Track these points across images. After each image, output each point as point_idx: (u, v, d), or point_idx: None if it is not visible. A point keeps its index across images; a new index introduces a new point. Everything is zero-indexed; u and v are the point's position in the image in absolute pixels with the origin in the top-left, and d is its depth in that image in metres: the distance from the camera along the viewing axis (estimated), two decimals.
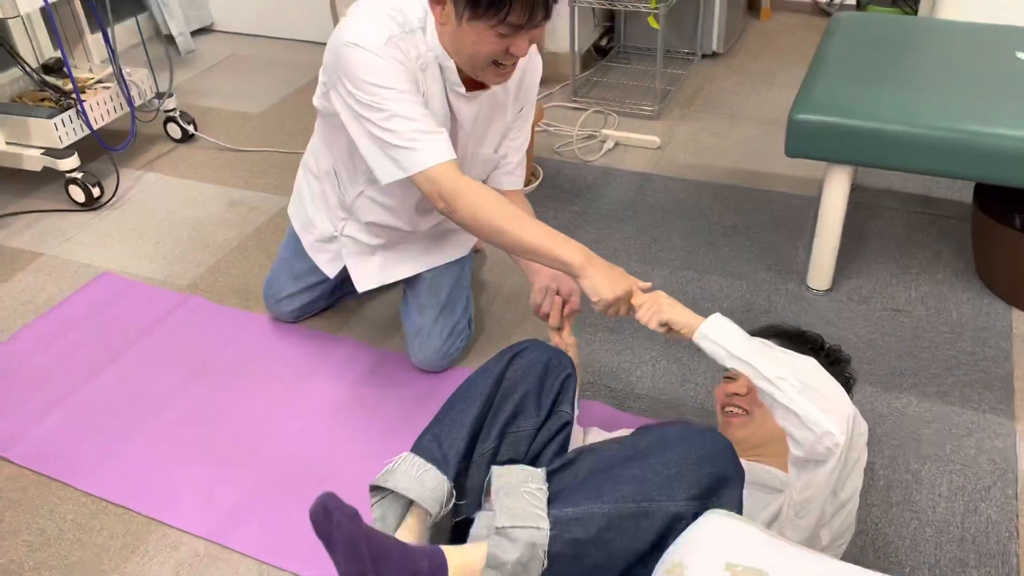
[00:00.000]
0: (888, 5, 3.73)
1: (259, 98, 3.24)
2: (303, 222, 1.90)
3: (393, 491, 1.25)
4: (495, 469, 1.17)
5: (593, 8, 3.29)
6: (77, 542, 1.56)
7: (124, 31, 3.52)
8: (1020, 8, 2.63)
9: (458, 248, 1.91)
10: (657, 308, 1.32)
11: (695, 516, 1.07)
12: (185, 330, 2.06)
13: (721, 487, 1.11)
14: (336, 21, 3.61)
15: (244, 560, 1.51)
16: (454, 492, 1.25)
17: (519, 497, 1.10)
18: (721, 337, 1.23)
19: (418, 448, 1.28)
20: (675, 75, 3.24)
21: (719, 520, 0.97)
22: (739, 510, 1.11)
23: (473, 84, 1.58)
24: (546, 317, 1.58)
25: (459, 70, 1.52)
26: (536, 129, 2.48)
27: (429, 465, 1.24)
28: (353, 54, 1.43)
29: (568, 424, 1.36)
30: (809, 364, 1.19)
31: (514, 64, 1.50)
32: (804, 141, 1.87)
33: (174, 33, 3.50)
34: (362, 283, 1.83)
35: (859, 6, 3.76)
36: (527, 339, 1.42)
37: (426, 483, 1.23)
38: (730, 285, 2.15)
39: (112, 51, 2.52)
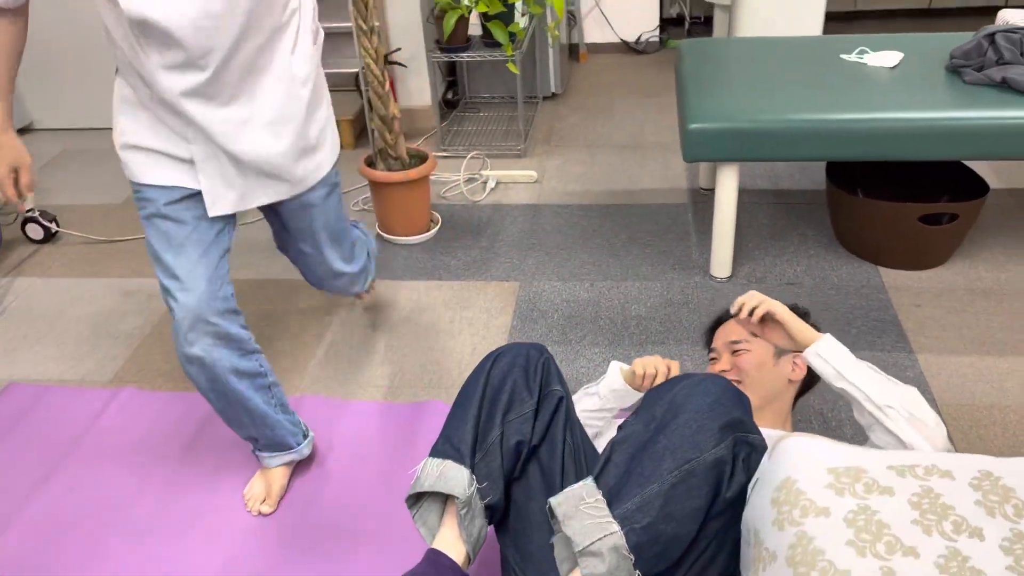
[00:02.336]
0: (685, 37, 4.21)
1: (114, 188, 3.09)
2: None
3: (424, 498, 1.36)
4: (551, 501, 1.26)
5: (439, 63, 3.46)
6: None
7: None
8: (795, 24, 3.15)
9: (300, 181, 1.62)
10: (769, 303, 1.46)
11: (732, 452, 1.21)
12: (125, 424, 1.94)
13: (735, 419, 1.26)
14: None
15: None
16: (474, 477, 1.36)
17: (583, 516, 1.21)
18: (833, 358, 1.38)
19: (433, 452, 1.39)
20: (527, 116, 3.47)
21: (796, 440, 1.11)
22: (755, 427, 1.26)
23: None
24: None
25: None
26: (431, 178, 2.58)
27: (446, 461, 1.36)
28: None
29: (563, 399, 1.48)
30: (913, 393, 1.36)
31: None
32: (699, 147, 2.12)
33: None
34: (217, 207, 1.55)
35: (663, 44, 4.21)
36: (502, 345, 1.50)
37: (447, 474, 1.34)
38: (647, 287, 2.35)
39: None
